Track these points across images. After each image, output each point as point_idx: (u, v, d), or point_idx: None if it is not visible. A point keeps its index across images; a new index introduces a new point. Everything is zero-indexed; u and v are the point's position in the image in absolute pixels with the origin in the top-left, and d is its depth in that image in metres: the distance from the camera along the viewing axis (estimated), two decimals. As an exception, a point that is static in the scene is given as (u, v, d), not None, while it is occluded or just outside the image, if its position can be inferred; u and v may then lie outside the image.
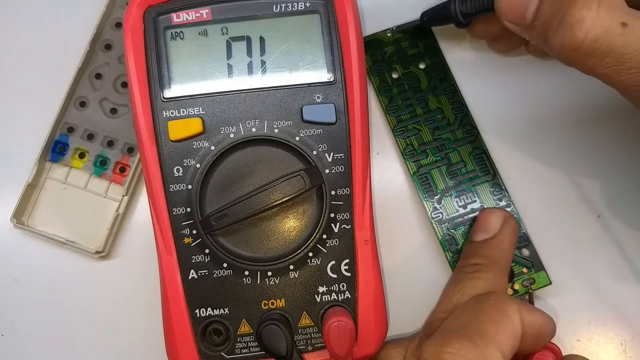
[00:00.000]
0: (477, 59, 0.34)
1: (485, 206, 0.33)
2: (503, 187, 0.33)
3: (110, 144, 0.34)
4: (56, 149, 0.34)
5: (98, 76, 0.34)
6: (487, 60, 0.34)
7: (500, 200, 0.33)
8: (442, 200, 0.33)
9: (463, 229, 0.32)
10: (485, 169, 0.33)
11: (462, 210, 0.33)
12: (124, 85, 0.34)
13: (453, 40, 0.34)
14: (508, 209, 0.33)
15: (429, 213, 0.33)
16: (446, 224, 0.33)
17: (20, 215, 0.33)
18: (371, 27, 0.34)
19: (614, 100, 0.33)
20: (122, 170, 0.34)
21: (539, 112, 0.34)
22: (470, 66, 0.34)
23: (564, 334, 0.33)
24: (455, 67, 0.34)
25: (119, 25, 0.34)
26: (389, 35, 0.34)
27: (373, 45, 0.34)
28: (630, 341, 0.33)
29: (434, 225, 0.33)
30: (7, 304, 0.34)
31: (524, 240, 0.33)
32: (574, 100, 0.34)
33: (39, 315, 0.34)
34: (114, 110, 0.34)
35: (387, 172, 0.34)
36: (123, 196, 0.33)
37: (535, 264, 0.32)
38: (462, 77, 0.34)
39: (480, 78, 0.34)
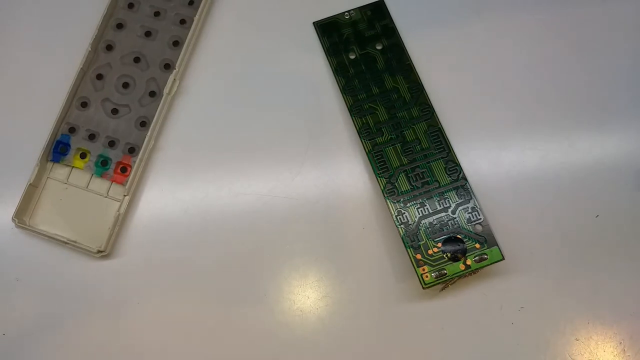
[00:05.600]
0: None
1: (440, 184, 0.32)
2: (457, 163, 0.32)
3: (112, 144, 0.34)
4: (58, 149, 0.34)
5: (99, 77, 0.35)
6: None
7: (454, 176, 0.32)
8: (397, 177, 0.32)
9: (417, 206, 0.32)
10: (440, 146, 0.33)
11: (416, 187, 0.32)
12: (125, 85, 0.34)
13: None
14: (462, 185, 0.32)
15: (383, 190, 0.32)
16: (400, 201, 0.32)
17: (21, 215, 0.34)
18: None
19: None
20: (124, 170, 0.34)
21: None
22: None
23: (563, 333, 0.33)
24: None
25: (120, 26, 0.35)
26: (346, 17, 0.35)
27: (331, 27, 0.35)
28: (629, 340, 0.33)
29: (388, 202, 0.32)
30: (8, 304, 0.34)
31: (477, 217, 0.32)
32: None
33: (40, 314, 0.34)
34: (115, 111, 0.34)
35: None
36: (124, 196, 0.34)
37: (488, 240, 0.31)
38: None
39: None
